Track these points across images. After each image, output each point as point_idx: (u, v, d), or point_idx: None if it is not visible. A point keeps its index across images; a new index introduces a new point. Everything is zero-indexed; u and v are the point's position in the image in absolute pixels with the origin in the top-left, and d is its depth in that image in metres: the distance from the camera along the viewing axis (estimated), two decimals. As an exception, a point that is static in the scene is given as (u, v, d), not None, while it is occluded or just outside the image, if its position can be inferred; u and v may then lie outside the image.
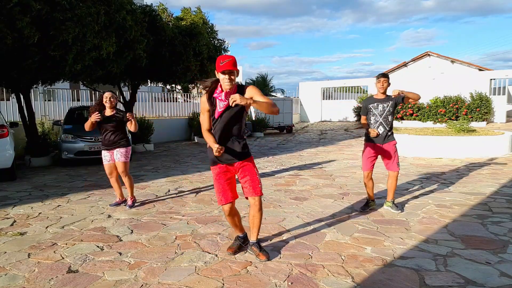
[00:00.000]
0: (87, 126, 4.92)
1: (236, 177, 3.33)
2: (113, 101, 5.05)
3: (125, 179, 5.13)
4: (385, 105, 4.58)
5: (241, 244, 3.50)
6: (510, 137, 9.61)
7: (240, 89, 3.09)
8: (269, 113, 3.05)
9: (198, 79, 12.56)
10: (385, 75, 4.63)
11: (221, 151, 3.01)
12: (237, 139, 3.19)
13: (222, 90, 3.06)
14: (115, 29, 8.30)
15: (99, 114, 4.88)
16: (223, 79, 2.99)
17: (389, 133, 4.65)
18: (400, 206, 4.81)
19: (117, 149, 5.08)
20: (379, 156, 4.77)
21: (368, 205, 4.85)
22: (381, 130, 4.62)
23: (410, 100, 4.46)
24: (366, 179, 4.81)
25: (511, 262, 3.16)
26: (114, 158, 5.10)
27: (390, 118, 4.61)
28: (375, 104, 4.64)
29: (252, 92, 3.03)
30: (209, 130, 3.21)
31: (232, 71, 2.98)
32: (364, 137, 4.88)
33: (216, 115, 3.11)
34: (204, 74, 12.40)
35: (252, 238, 3.40)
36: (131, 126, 5.05)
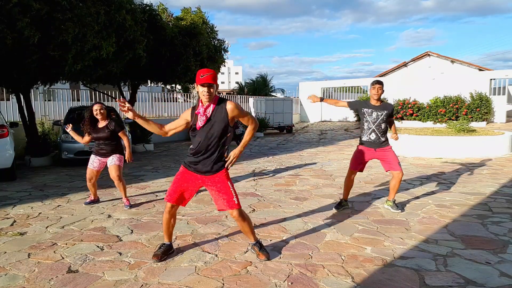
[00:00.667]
0: (82, 141, 5.10)
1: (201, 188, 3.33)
2: (103, 113, 5.03)
3: (119, 184, 5.12)
4: (379, 113, 4.59)
5: (168, 250, 3.41)
6: (510, 137, 9.61)
7: (220, 101, 3.10)
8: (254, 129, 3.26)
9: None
10: (380, 82, 4.61)
11: (124, 105, 3.09)
12: (215, 158, 3.12)
13: (202, 105, 3.07)
14: (115, 29, 8.30)
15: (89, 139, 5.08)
16: (202, 91, 3.01)
17: (383, 139, 4.64)
18: (400, 206, 4.81)
19: (111, 156, 5.12)
20: (378, 161, 4.80)
21: (341, 205, 4.86)
22: (373, 136, 4.64)
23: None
24: (348, 178, 4.83)
25: (511, 262, 3.16)
26: (101, 167, 5.16)
27: (383, 126, 4.61)
28: (370, 110, 4.64)
29: (233, 112, 3.05)
30: (161, 128, 3.25)
31: (211, 84, 3.00)
32: (359, 139, 4.86)
33: (197, 128, 3.11)
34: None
35: (251, 240, 3.40)
36: (124, 141, 5.10)
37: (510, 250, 3.40)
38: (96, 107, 5.01)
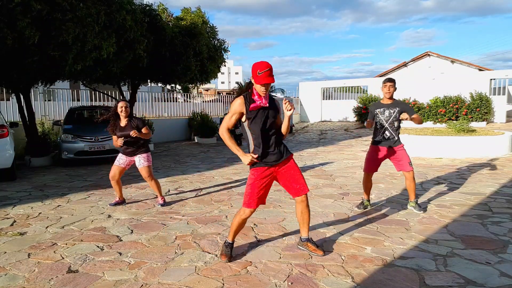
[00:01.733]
0: (115, 143, 5.05)
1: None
2: (128, 110, 5.07)
3: (152, 183, 5.18)
4: (392, 110, 4.58)
5: (231, 251, 3.39)
6: (510, 137, 9.61)
7: (273, 99, 3.24)
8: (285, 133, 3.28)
9: (198, 79, 12.56)
10: (391, 80, 4.60)
11: (254, 159, 3.12)
12: (279, 139, 3.23)
13: (259, 96, 3.10)
14: (115, 29, 8.30)
15: (123, 138, 4.96)
16: (261, 90, 3.06)
17: (396, 138, 4.64)
18: (423, 206, 4.81)
19: (138, 155, 5.12)
20: (388, 160, 4.78)
21: (363, 204, 4.86)
22: (387, 135, 4.62)
23: (413, 120, 4.52)
24: (365, 180, 4.81)
25: (511, 262, 3.16)
26: (128, 164, 5.15)
27: (396, 123, 4.61)
28: (382, 109, 4.63)
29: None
30: (229, 130, 3.22)
31: (270, 84, 3.06)
32: (372, 139, 4.82)
33: (254, 116, 3.11)
34: (204, 74, 12.41)
35: (305, 234, 3.43)
36: (144, 134, 5.08)
37: (510, 250, 3.40)
38: (121, 104, 5.04)
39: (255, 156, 3.13)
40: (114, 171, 5.14)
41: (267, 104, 3.13)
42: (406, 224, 4.22)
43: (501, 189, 5.78)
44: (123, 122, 5.06)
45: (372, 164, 4.75)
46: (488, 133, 10.02)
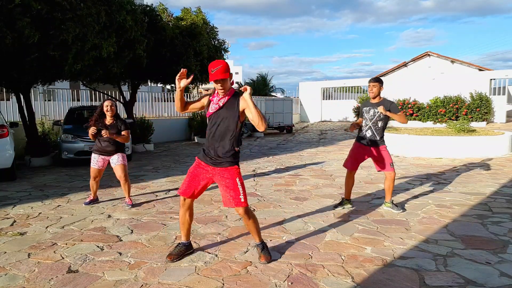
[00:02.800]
0: (91, 136, 5.02)
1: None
2: (114, 109, 5.07)
3: (126, 184, 5.15)
4: (376, 110, 4.59)
5: (183, 251, 3.39)
6: (510, 137, 9.61)
7: (235, 95, 3.13)
8: (257, 124, 3.01)
9: (199, 79, 12.57)
10: (376, 79, 4.61)
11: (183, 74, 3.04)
12: (223, 144, 3.12)
13: (217, 94, 3.13)
14: (115, 29, 8.30)
15: (95, 129, 4.94)
16: (216, 86, 3.07)
17: (378, 139, 4.62)
18: (400, 206, 4.81)
19: (115, 155, 5.12)
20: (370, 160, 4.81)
21: (342, 204, 4.86)
22: (368, 133, 4.65)
23: (394, 118, 4.52)
24: (347, 177, 4.84)
25: (511, 262, 3.16)
26: (104, 165, 5.15)
27: (380, 124, 4.60)
28: (368, 108, 4.69)
29: (244, 104, 3.06)
30: (182, 98, 3.20)
31: (224, 79, 3.01)
32: (356, 135, 4.90)
33: (207, 115, 3.20)
34: (205, 74, 12.39)
35: (256, 241, 3.40)
36: (122, 137, 5.06)
37: (510, 250, 3.40)
38: (107, 103, 5.05)
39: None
40: (96, 173, 5.16)
41: (218, 105, 3.11)
42: (406, 224, 4.22)
43: (501, 189, 5.77)
44: (108, 120, 5.08)
45: (352, 160, 4.79)
46: (488, 133, 10.02)
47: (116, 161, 5.10)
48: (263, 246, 3.35)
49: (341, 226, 4.18)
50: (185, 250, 3.40)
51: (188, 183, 3.26)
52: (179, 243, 3.46)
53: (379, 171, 4.76)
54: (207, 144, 3.21)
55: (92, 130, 4.92)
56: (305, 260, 3.29)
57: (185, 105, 3.25)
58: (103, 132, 4.88)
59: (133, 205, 5.15)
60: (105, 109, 5.03)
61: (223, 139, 3.12)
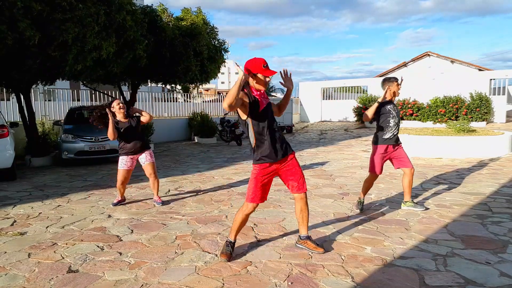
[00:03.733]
0: (110, 135, 4.85)
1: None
2: (123, 107, 5.05)
3: (155, 180, 5.18)
4: (397, 108, 4.69)
5: (232, 250, 3.39)
6: (510, 137, 9.61)
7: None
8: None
9: (198, 79, 12.56)
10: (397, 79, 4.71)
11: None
12: (280, 135, 3.27)
13: (257, 90, 3.13)
14: (115, 30, 8.30)
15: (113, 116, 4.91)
16: (266, 81, 3.11)
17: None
18: (420, 203, 4.83)
19: (143, 153, 5.12)
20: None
21: (361, 203, 4.83)
22: (396, 131, 4.64)
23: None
24: (370, 182, 4.77)
25: (511, 262, 3.16)
26: (133, 164, 5.13)
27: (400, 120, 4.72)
28: (392, 105, 4.64)
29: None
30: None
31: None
32: (376, 139, 4.68)
33: (261, 108, 3.12)
34: (204, 74, 12.40)
35: (305, 232, 3.44)
36: (144, 118, 5.10)
37: (510, 250, 3.40)
38: (116, 103, 5.00)
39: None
40: (124, 176, 5.07)
41: (268, 99, 3.21)
42: (406, 224, 4.22)
43: (501, 189, 5.78)
44: (123, 120, 5.05)
45: (381, 164, 4.65)
46: (488, 133, 10.02)
47: (145, 159, 5.12)
48: (310, 237, 3.48)
49: (341, 226, 4.18)
50: (233, 247, 3.41)
51: (263, 189, 3.27)
52: (231, 242, 3.37)
53: (398, 168, 4.73)
54: (269, 142, 3.13)
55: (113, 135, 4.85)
56: (305, 260, 3.29)
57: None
58: (143, 114, 5.04)
59: (163, 203, 5.19)
60: (116, 108, 4.97)
61: (277, 130, 3.26)
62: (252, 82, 3.10)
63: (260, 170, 3.21)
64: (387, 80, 4.71)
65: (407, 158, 4.65)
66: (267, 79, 3.11)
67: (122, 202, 5.29)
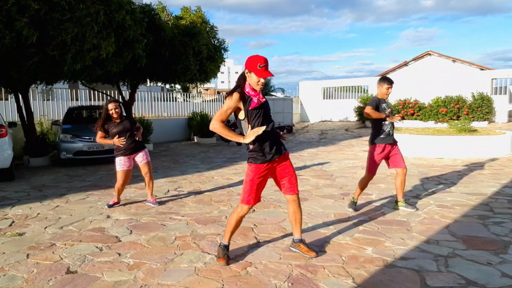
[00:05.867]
0: (101, 142, 5.01)
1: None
2: (118, 111, 5.03)
3: (150, 181, 5.18)
4: (389, 107, 4.69)
5: (228, 252, 3.35)
6: (511, 137, 9.58)
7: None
8: None
9: (198, 78, 12.54)
10: (393, 82, 4.67)
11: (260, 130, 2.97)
12: (275, 134, 3.26)
13: (253, 90, 3.07)
14: (115, 29, 8.27)
15: (124, 140, 4.95)
16: (261, 82, 3.06)
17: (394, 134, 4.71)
18: (413, 204, 4.81)
19: (140, 153, 5.11)
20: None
21: (355, 204, 4.82)
22: (391, 131, 4.63)
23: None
24: (365, 182, 4.75)
25: (513, 263, 3.14)
26: (131, 164, 5.10)
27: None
28: (385, 104, 4.65)
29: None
30: (223, 122, 3.12)
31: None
32: (373, 138, 4.65)
33: (253, 106, 3.05)
34: (204, 74, 12.37)
35: (298, 235, 3.40)
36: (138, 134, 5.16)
37: (511, 251, 3.38)
38: (112, 106, 4.98)
39: (262, 129, 2.96)
40: (124, 176, 5.03)
41: (264, 99, 3.14)
42: (407, 224, 4.20)
43: (503, 189, 5.75)
44: (116, 119, 5.05)
45: (375, 164, 4.65)
46: (490, 133, 9.99)
47: (141, 159, 5.11)
48: (303, 240, 3.42)
49: (341, 227, 4.15)
50: (227, 249, 3.35)
51: (259, 189, 3.21)
52: (225, 245, 3.33)
53: (392, 168, 4.71)
54: (264, 141, 3.10)
55: (118, 141, 4.91)
56: (305, 260, 3.26)
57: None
58: (119, 140, 4.90)
59: (159, 203, 5.17)
60: (110, 112, 4.97)
61: (273, 129, 3.23)
62: (248, 78, 3.06)
63: (254, 170, 3.16)
64: (380, 80, 4.69)
65: (402, 158, 4.64)
66: (260, 81, 3.02)
67: (117, 204, 5.25)
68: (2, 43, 6.53)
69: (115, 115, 4.98)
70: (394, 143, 4.66)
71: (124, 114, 5.23)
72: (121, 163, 5.02)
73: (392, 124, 4.62)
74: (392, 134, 4.65)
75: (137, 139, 5.09)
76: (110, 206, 5.15)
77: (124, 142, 4.93)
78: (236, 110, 3.11)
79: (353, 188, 6.07)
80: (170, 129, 15.49)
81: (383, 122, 4.58)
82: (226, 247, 3.33)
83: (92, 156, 8.99)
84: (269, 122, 3.16)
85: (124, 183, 5.07)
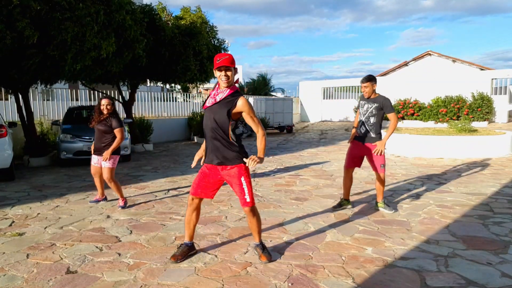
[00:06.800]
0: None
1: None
2: (109, 109, 5.04)
3: (111, 185, 5.06)
4: (370, 105, 4.57)
5: (186, 251, 3.35)
6: (511, 137, 9.58)
7: (235, 93, 3.07)
8: (257, 131, 3.15)
9: (198, 78, 12.54)
10: (367, 79, 4.53)
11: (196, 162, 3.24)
12: (222, 140, 3.07)
13: (218, 88, 3.10)
14: (115, 29, 8.27)
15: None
16: (220, 76, 3.02)
17: (372, 135, 4.56)
18: (392, 205, 4.79)
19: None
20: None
21: (340, 205, 4.83)
22: (362, 129, 4.62)
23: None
24: (344, 176, 4.81)
25: (513, 263, 3.14)
26: (100, 163, 5.10)
27: (372, 119, 4.55)
28: (363, 102, 4.67)
29: (241, 108, 3.03)
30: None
31: (228, 67, 2.99)
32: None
33: (203, 107, 3.18)
34: (204, 74, 12.37)
35: (255, 240, 3.38)
36: (118, 136, 5.05)
37: (511, 251, 3.38)
38: (104, 102, 5.04)
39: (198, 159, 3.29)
40: (94, 169, 5.19)
41: (216, 100, 3.06)
42: (407, 224, 4.20)
43: (503, 189, 5.75)
44: (104, 116, 5.07)
45: (348, 158, 4.76)
46: (490, 133, 9.99)
47: (104, 163, 4.99)
48: (263, 246, 3.35)
49: (341, 227, 4.15)
50: (188, 250, 3.36)
51: (198, 183, 3.24)
52: (181, 244, 3.42)
53: (373, 170, 4.71)
54: (206, 143, 3.20)
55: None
56: (305, 260, 3.26)
57: None
58: (105, 154, 4.94)
59: (125, 207, 5.08)
60: (101, 107, 5.02)
61: (215, 137, 3.08)
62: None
63: (204, 165, 3.26)
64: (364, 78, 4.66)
65: (379, 163, 4.53)
66: (217, 73, 3.01)
67: (101, 200, 5.32)
68: (3, 44, 6.53)
69: (105, 111, 5.01)
70: (362, 142, 4.59)
71: (122, 116, 5.21)
72: (92, 158, 5.21)
73: (363, 124, 4.62)
74: (363, 134, 4.59)
75: (103, 155, 4.95)
76: (92, 202, 5.29)
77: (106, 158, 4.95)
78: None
79: (353, 188, 6.05)
80: (170, 129, 15.49)
81: (358, 120, 4.73)
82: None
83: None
84: (211, 124, 3.10)
85: (94, 175, 5.19)
